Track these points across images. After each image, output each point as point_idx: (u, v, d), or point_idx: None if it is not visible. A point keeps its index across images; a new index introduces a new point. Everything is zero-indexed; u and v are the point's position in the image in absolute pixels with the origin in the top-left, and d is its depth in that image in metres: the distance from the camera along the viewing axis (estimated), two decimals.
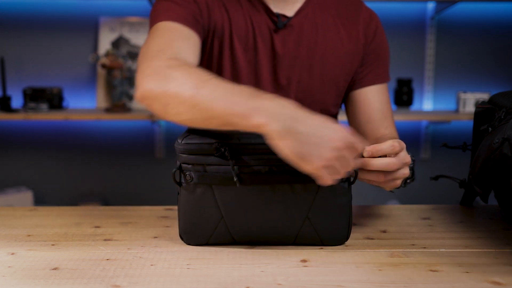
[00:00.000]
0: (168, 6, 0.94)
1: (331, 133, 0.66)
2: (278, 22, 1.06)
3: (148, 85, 0.76)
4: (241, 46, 1.06)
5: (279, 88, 1.09)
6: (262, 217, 0.76)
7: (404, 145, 0.79)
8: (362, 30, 1.11)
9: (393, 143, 0.76)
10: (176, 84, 0.73)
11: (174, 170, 0.76)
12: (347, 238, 0.79)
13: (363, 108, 1.12)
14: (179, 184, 0.77)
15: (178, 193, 0.78)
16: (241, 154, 0.74)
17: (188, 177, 0.75)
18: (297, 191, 0.74)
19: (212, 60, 1.04)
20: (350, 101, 1.15)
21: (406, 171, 0.79)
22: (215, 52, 1.03)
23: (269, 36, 1.07)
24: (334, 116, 1.18)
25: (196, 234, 0.78)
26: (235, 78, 1.07)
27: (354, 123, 1.12)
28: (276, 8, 1.07)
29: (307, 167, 0.67)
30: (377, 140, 0.89)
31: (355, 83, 1.13)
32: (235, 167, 0.73)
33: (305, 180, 0.73)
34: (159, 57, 0.81)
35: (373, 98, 1.12)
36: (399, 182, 0.80)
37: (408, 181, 0.84)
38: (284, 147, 0.66)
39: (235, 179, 0.72)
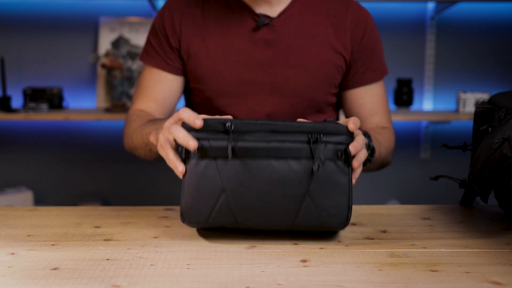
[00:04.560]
0: (149, 49, 1.16)
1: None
2: (259, 21, 1.07)
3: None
4: (216, 47, 1.09)
5: (266, 86, 1.10)
6: (262, 191, 0.77)
7: (359, 121, 0.78)
8: (350, 29, 1.11)
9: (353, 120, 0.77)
10: (125, 141, 1.15)
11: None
12: (347, 220, 0.79)
13: (352, 107, 1.16)
14: (184, 161, 0.79)
15: (184, 175, 0.79)
16: (245, 132, 0.76)
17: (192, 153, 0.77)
18: (297, 168, 0.76)
19: (188, 65, 1.13)
20: (342, 101, 1.17)
21: (365, 152, 0.79)
22: (191, 67, 1.13)
23: (248, 35, 1.08)
24: (330, 116, 1.18)
25: (197, 209, 0.79)
26: (214, 79, 1.11)
27: None
28: (260, 10, 1.08)
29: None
30: None
31: (349, 83, 1.14)
32: (232, 141, 0.76)
33: (306, 157, 0.75)
34: (132, 105, 1.18)
35: (363, 97, 1.14)
36: (360, 168, 0.79)
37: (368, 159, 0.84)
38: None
39: (229, 151, 0.74)
